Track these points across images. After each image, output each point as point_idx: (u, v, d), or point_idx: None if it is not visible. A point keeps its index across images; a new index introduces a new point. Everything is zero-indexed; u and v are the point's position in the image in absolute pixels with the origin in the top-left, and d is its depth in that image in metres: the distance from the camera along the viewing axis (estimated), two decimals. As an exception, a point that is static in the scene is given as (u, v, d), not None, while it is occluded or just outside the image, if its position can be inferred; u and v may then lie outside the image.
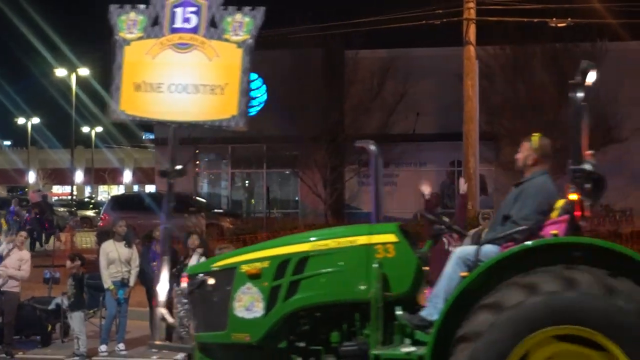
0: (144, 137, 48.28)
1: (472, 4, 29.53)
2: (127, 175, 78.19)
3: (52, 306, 16.71)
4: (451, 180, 36.54)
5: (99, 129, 74.55)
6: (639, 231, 29.39)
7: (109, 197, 48.57)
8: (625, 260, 7.06)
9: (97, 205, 51.42)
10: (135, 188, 76.05)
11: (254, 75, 37.03)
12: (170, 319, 9.71)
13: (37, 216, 32.07)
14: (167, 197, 10.17)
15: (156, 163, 40.86)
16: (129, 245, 15.96)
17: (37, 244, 31.62)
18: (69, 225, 32.68)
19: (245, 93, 9.67)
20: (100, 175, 76.92)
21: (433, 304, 7.74)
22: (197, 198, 35.68)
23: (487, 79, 32.09)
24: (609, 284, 6.85)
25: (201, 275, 8.59)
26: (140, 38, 9.97)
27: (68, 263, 15.88)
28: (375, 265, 7.85)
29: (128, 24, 9.94)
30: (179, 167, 10.04)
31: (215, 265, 8.67)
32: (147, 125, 12.61)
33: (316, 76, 34.22)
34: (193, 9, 9.84)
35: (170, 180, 9.83)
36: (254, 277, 8.23)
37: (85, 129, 73.41)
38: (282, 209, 38.20)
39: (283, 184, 40.47)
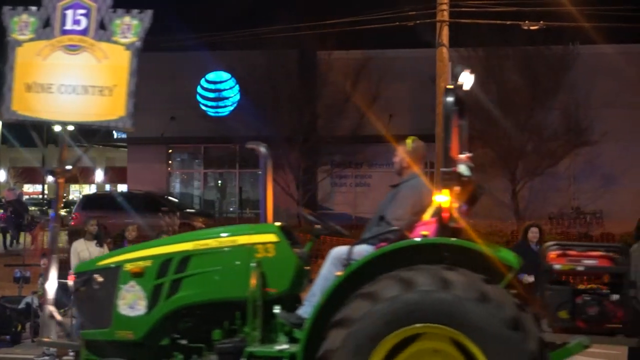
0: (116, 136, 48.05)
1: (445, 6, 29.58)
2: (99, 175, 77.96)
3: (22, 305, 16.61)
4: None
5: (71, 127, 74.07)
6: (609, 233, 29.59)
7: (81, 196, 48.34)
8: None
9: (68, 205, 51.18)
10: (107, 187, 75.80)
11: (227, 75, 37.09)
12: (58, 317, 9.75)
13: (12, 214, 31.89)
14: (55, 196, 10.41)
15: (128, 162, 40.76)
16: (100, 244, 15.86)
17: (14, 242, 31.49)
18: (39, 224, 32.52)
19: (133, 95, 9.68)
20: (71, 175, 76.46)
21: (310, 303, 7.95)
22: (170, 198, 35.60)
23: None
24: (483, 290, 7.06)
25: (87, 273, 8.71)
26: (32, 39, 10.03)
27: (43, 261, 15.80)
28: (253, 265, 8.05)
29: (20, 25, 10.05)
30: (68, 167, 10.24)
31: (100, 263, 8.83)
32: (39, 126, 12.78)
33: (290, 77, 34.24)
34: (83, 11, 9.90)
35: (58, 180, 9.95)
36: (138, 275, 8.38)
37: (57, 128, 72.76)
38: (255, 210, 38.18)
39: (256, 185, 40.42)
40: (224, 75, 37.26)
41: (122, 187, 63.01)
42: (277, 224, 8.52)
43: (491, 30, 30.49)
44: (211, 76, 37.38)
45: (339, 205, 36.20)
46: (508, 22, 29.91)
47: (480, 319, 6.98)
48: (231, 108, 36.74)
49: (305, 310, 7.93)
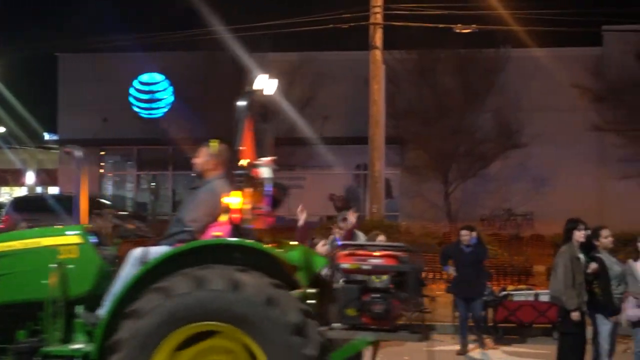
0: (47, 138, 47.49)
1: (379, 9, 29.73)
2: (30, 177, 77.03)
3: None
4: (357, 183, 36.79)
5: (1, 129, 73.32)
6: (539, 235, 29.95)
7: (11, 198, 47.73)
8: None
9: (-2, 207, 50.52)
10: (39, 189, 74.89)
11: (160, 77, 36.86)
12: None
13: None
14: None
15: (60, 164, 40.32)
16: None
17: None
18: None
19: None
20: (1, 177, 75.61)
21: (109, 303, 8.05)
22: (102, 200, 35.26)
23: (394, 84, 32.35)
24: (271, 294, 7.38)
25: None
26: None
27: None
28: (54, 266, 8.17)
29: None
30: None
31: None
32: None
33: (223, 78, 34.09)
34: None
35: None
36: None
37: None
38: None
39: (190, 187, 40.19)
40: (158, 76, 37.03)
41: (53, 190, 62.31)
42: (85, 225, 8.69)
43: (424, 33, 30.65)
44: (144, 77, 37.12)
45: (280, 208, 36.10)
46: (441, 25, 30.13)
47: (265, 322, 7.30)
48: (165, 110, 36.53)
49: (105, 310, 8.02)
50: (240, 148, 8.00)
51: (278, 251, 7.95)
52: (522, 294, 17.80)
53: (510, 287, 18.94)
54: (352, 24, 30.48)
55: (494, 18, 29.76)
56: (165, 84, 36.71)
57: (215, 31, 31.63)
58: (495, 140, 32.58)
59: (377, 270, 7.91)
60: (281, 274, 7.72)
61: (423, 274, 15.42)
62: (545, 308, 16.60)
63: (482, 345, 15.87)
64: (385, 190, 31.35)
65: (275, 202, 8.62)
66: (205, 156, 8.66)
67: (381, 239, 12.79)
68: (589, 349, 12.36)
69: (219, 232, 8.01)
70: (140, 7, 28.92)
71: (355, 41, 32.05)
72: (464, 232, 15.92)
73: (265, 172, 8.31)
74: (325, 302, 8.05)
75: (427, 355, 11.00)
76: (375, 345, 12.45)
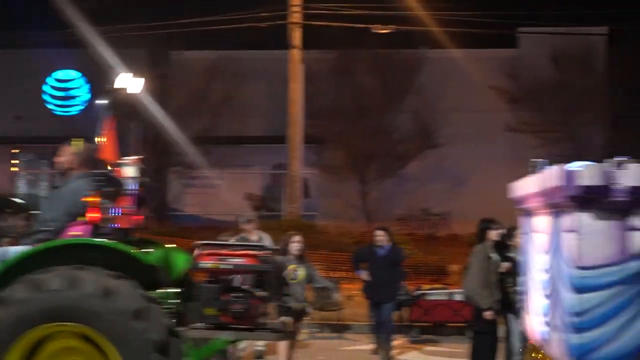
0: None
1: (298, 8, 29.71)
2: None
3: None
4: (274, 183, 36.67)
5: None
6: (454, 234, 30.18)
7: None
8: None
9: None
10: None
11: (77, 74, 36.33)
12: None
13: None
14: None
15: None
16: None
17: None
18: None
19: None
20: None
21: None
22: (14, 199, 34.62)
23: (313, 83, 32.34)
24: (108, 285, 7.38)
25: None
26: None
27: None
28: None
29: None
30: None
31: None
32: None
33: (140, 76, 33.66)
34: None
35: None
36: None
37: None
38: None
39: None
40: (73, 73, 36.48)
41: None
42: None
43: (343, 33, 30.67)
44: (59, 75, 36.54)
45: (190, 207, 35.88)
46: (359, 26, 30.20)
47: (105, 312, 7.29)
48: (81, 107, 36.01)
49: None
50: (101, 147, 7.92)
51: (136, 251, 7.82)
52: (437, 294, 17.85)
53: (425, 287, 19.00)
54: (270, 23, 30.40)
55: (413, 19, 29.90)
56: (81, 81, 36.19)
57: (131, 28, 31.24)
58: (413, 140, 32.73)
59: (237, 270, 8.01)
60: (141, 273, 7.64)
61: (340, 274, 15.22)
62: (459, 307, 16.63)
63: (384, 350, 14.99)
64: (303, 190, 31.35)
65: (141, 202, 8.41)
66: (67, 155, 8.53)
67: (297, 239, 12.69)
68: (502, 347, 12.44)
69: (78, 232, 7.93)
70: (55, 3, 28.36)
71: (275, 40, 31.96)
72: (378, 232, 15.19)
73: (129, 172, 8.17)
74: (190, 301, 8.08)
75: (342, 355, 10.98)
76: (291, 345, 12.40)
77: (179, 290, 8.09)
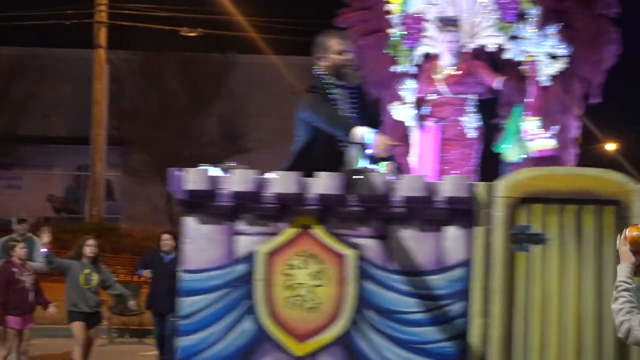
0: None
1: (104, 7, 29.26)
2: None
3: None
4: (77, 184, 35.91)
5: None
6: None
7: None
8: None
9: None
10: None
11: None
12: None
13: None
14: None
15: None
16: None
17: None
18: None
19: None
20: None
21: None
22: None
23: (119, 84, 31.87)
24: None
25: None
26: None
27: None
28: None
29: None
30: None
31: None
32: None
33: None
34: None
35: None
36: None
37: None
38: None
39: None
40: None
41: None
42: None
43: (151, 35, 30.38)
44: None
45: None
46: (167, 27, 29.97)
47: None
48: None
49: None
50: None
51: None
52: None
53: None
54: (75, 21, 29.83)
55: (222, 23, 29.88)
56: None
57: None
58: (220, 144, 32.64)
59: None
60: None
61: (144, 278, 14.64)
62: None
63: None
64: (106, 192, 30.84)
65: None
66: None
67: (91, 243, 12.25)
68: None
69: None
70: None
71: (81, 39, 31.34)
72: (165, 236, 13.70)
73: None
74: None
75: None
76: (87, 346, 12.10)
77: None
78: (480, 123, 8.54)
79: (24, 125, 33.30)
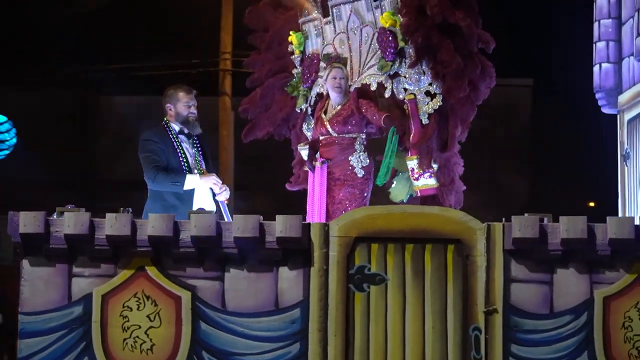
0: None
1: (228, 55, 29.82)
2: None
3: None
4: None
5: None
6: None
7: None
8: None
9: None
10: None
11: (2, 118, 36.37)
12: None
13: None
14: None
15: None
16: None
17: None
18: None
19: None
20: None
21: None
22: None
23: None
24: None
25: None
26: None
27: None
28: None
29: None
30: None
31: None
32: None
33: (68, 120, 33.81)
34: None
35: None
36: None
37: None
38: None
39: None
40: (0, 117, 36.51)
41: None
42: None
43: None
44: (-14, 119, 36.58)
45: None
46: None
47: None
48: (7, 152, 36.05)
49: None
50: None
51: None
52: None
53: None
54: (201, 70, 30.56)
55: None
56: (7, 125, 36.24)
57: (57, 71, 31.35)
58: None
59: None
60: None
61: None
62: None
63: None
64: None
65: None
66: None
67: None
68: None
69: None
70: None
71: (204, 87, 32.03)
72: None
73: None
74: None
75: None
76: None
77: None
78: (368, 162, 8.46)
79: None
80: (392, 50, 8.23)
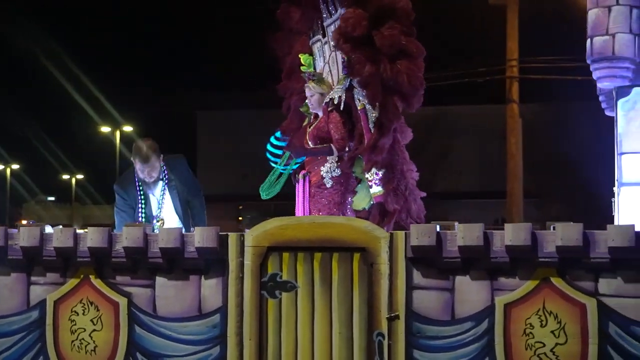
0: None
1: (514, 62, 29.79)
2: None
3: None
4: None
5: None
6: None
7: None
8: None
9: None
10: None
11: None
12: None
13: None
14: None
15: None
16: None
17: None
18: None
19: None
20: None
21: None
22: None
23: (531, 137, 32.03)
24: None
25: None
26: None
27: None
28: None
29: None
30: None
31: None
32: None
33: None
34: None
35: None
36: None
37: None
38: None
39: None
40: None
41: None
42: None
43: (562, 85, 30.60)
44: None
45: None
46: (579, 78, 29.98)
47: None
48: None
49: None
50: None
51: None
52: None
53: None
54: (488, 78, 30.78)
55: None
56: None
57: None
58: None
59: None
60: None
61: None
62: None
63: None
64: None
65: None
66: None
67: None
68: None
69: None
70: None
71: (486, 94, 32.25)
72: None
73: None
74: None
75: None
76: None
77: None
78: (339, 173, 8.59)
79: (440, 182, 34.64)
80: (344, 64, 8.47)
